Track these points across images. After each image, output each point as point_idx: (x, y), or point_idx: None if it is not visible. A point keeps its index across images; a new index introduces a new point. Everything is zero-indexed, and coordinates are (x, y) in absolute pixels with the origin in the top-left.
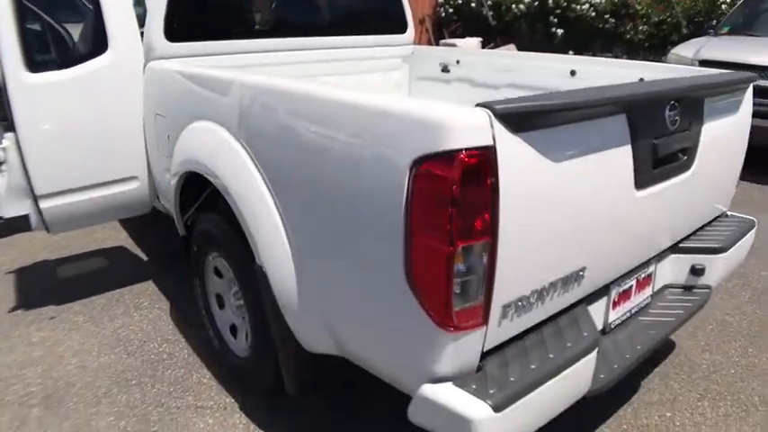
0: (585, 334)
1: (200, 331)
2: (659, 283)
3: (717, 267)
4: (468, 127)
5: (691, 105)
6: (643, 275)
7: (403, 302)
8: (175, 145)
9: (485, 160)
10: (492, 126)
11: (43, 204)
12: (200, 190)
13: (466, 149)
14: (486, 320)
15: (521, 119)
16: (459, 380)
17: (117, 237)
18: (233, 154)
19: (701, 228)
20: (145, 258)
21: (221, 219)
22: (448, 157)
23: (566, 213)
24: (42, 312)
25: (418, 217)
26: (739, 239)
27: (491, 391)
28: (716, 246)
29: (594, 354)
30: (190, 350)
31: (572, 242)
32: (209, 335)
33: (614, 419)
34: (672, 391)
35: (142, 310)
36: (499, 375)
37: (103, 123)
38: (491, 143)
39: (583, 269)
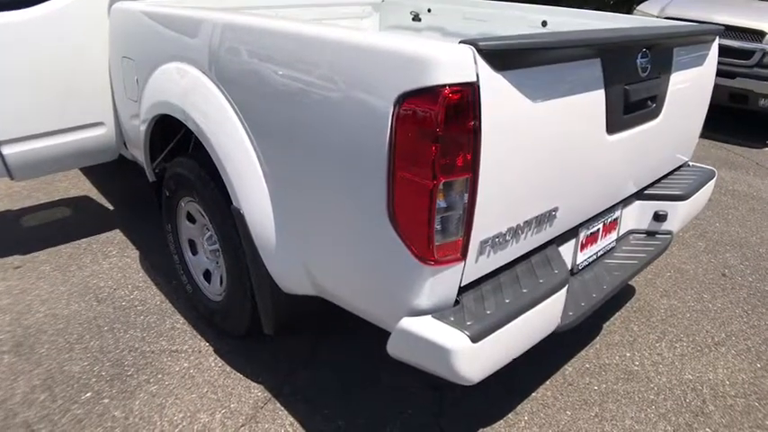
0: (557, 272)
1: (172, 280)
2: (624, 227)
3: (679, 214)
4: (453, 63)
5: (661, 54)
6: (609, 220)
7: (384, 238)
8: (144, 88)
9: (468, 97)
10: (476, 63)
11: (6, 150)
12: (170, 134)
13: (450, 85)
14: (464, 255)
15: (503, 57)
16: (438, 313)
17: (81, 186)
18: (207, 95)
19: (665, 176)
20: (111, 208)
21: (194, 162)
22: (432, 92)
23: (542, 153)
24: (7, 262)
25: (401, 153)
26: (700, 188)
27: (468, 323)
28: (678, 193)
29: (565, 291)
30: (162, 297)
31: (547, 182)
32: (183, 280)
33: (577, 359)
34: (632, 334)
35: (111, 258)
36: (476, 308)
37: (67, 66)
38: (474, 80)
39: (555, 209)
